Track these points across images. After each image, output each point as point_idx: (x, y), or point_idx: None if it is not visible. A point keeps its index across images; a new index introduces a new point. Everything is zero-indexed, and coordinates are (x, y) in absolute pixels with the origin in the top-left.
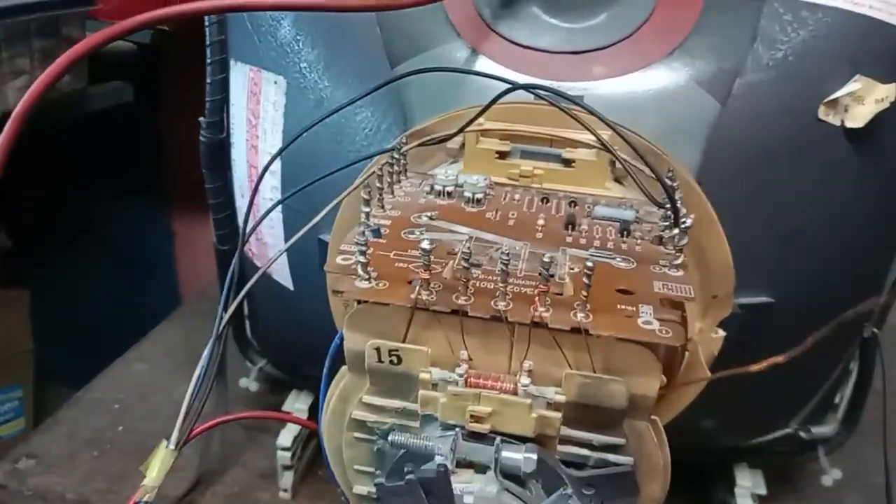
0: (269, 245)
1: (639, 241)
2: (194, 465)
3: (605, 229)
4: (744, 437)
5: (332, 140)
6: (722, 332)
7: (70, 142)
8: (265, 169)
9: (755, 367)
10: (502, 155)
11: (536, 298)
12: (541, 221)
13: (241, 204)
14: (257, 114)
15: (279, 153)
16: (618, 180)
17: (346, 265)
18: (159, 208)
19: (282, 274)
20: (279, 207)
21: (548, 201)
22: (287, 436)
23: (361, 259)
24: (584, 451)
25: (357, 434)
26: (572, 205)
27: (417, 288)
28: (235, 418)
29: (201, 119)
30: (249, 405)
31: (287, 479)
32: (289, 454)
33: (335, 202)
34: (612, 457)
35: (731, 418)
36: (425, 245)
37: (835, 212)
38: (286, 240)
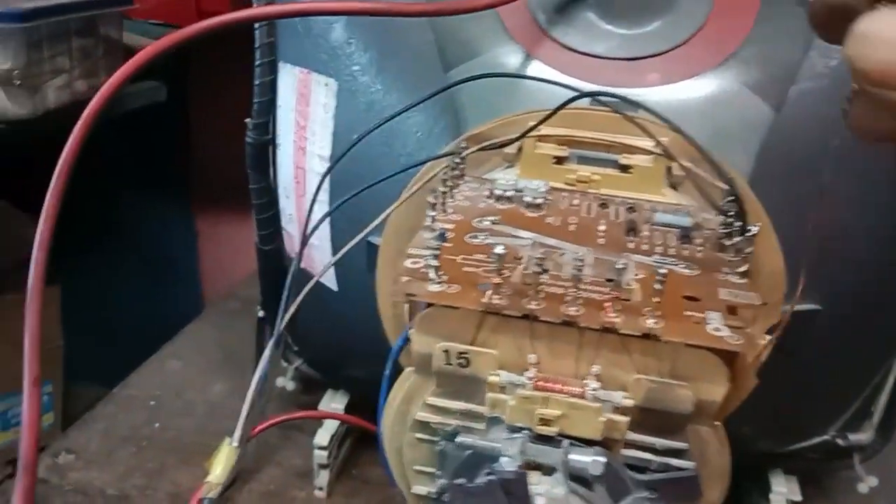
0: (314, 246)
1: (699, 248)
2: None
3: (665, 235)
4: (781, 443)
5: (384, 144)
6: (769, 338)
7: (102, 140)
8: (325, 175)
9: None
10: (559, 160)
11: (607, 304)
12: (601, 227)
13: (284, 205)
14: (306, 116)
15: (337, 160)
16: (672, 186)
17: (415, 268)
18: (184, 207)
19: (326, 275)
20: (325, 209)
21: (606, 207)
22: (324, 435)
23: (434, 263)
24: (647, 455)
25: (420, 435)
26: (631, 210)
27: (489, 292)
28: (293, 418)
29: (248, 120)
30: (284, 404)
31: (323, 477)
32: (326, 453)
33: (394, 206)
34: (674, 461)
35: (769, 424)
36: (499, 250)
37: (882, 220)
38: (333, 241)
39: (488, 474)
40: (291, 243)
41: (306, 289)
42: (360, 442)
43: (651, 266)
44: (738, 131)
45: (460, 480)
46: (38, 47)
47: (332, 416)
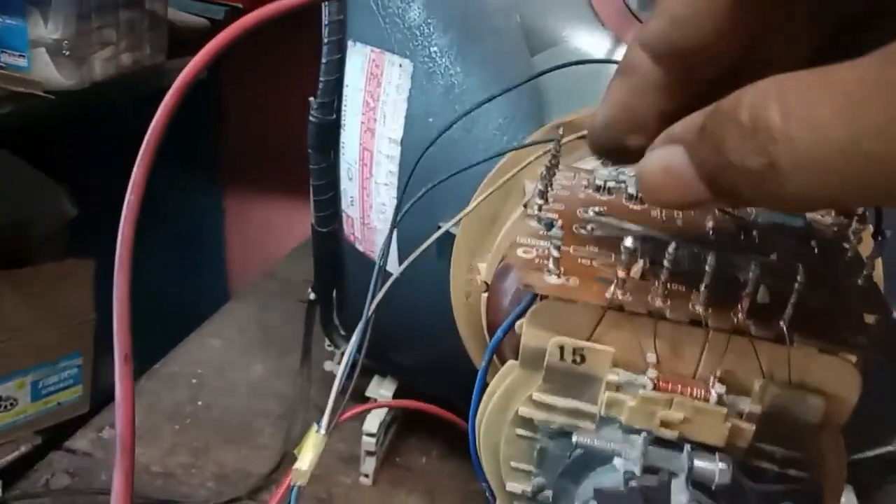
0: (377, 230)
1: (816, 250)
2: (277, 445)
3: (777, 235)
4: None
5: (462, 127)
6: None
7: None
8: (414, 167)
9: None
10: None
11: (739, 305)
12: (710, 224)
13: (346, 187)
14: (376, 96)
15: (427, 148)
16: None
17: (528, 258)
18: (213, 185)
19: (389, 261)
20: (393, 192)
21: None
22: (374, 421)
23: (555, 254)
24: (767, 465)
25: (521, 431)
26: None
27: (613, 287)
28: (376, 406)
29: (312, 99)
30: (328, 388)
31: (369, 464)
32: (374, 440)
33: (486, 195)
34: (794, 472)
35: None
36: (628, 243)
37: None
38: (394, 223)
39: (629, 480)
40: (351, 227)
41: (387, 285)
42: (404, 429)
43: (775, 267)
44: None
45: (600, 485)
46: (86, 18)
47: (414, 406)
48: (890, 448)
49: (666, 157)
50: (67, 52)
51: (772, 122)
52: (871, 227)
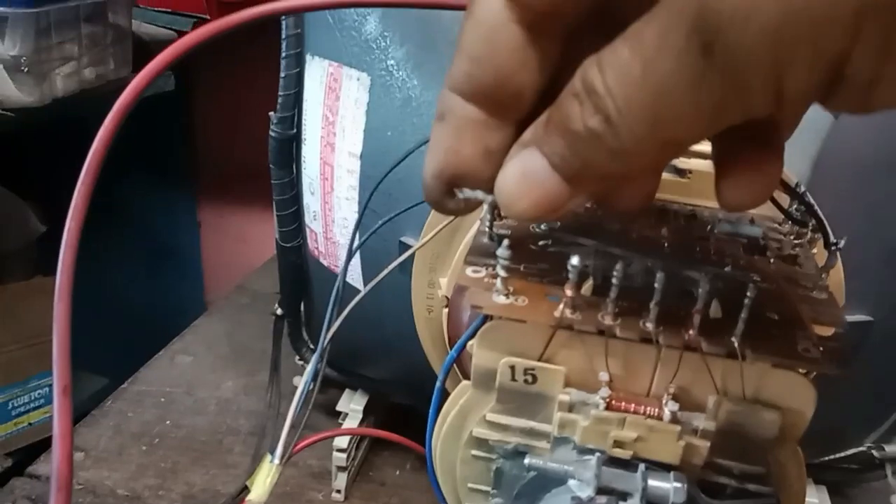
0: (339, 245)
1: (772, 260)
2: (247, 463)
3: (734, 246)
4: (819, 453)
5: (420, 141)
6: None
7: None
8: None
9: None
10: None
11: (690, 321)
12: (664, 234)
13: (309, 201)
14: (335, 111)
15: (392, 170)
16: None
17: (477, 278)
18: (187, 197)
19: (352, 275)
20: (355, 207)
21: (665, 213)
22: (344, 437)
23: (503, 274)
24: (724, 480)
25: (476, 452)
26: (692, 217)
27: (561, 306)
28: (334, 434)
29: (272, 114)
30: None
31: (341, 480)
32: (345, 455)
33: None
34: (752, 486)
35: (809, 434)
36: (574, 262)
37: None
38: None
39: (575, 501)
40: (315, 241)
41: (350, 307)
42: (377, 444)
43: (728, 278)
44: (798, 136)
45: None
46: (46, 33)
47: (373, 434)
48: (862, 448)
49: (520, 162)
50: (26, 69)
51: (596, 81)
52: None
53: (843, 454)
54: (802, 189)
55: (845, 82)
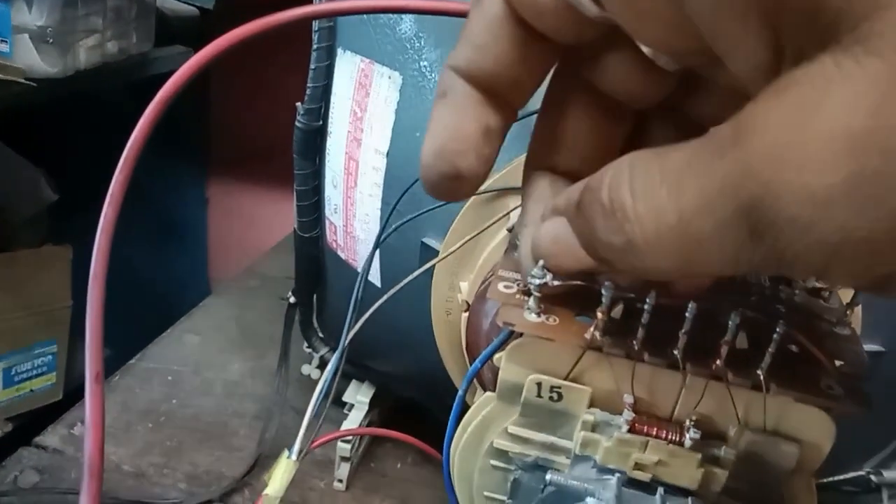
0: (359, 240)
1: (796, 292)
2: (252, 447)
3: (760, 277)
4: (819, 475)
5: None
6: None
7: (126, 103)
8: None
9: None
10: None
11: (718, 350)
12: None
13: (331, 194)
14: (364, 106)
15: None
16: None
17: (509, 293)
18: (197, 175)
19: (370, 271)
20: (377, 204)
21: None
22: (349, 427)
23: (537, 293)
24: None
25: (495, 462)
26: None
27: (591, 329)
28: (351, 433)
29: (299, 104)
30: (305, 391)
31: (344, 470)
32: (349, 446)
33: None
34: None
35: None
36: (606, 291)
37: None
38: (380, 237)
39: None
40: (334, 234)
41: (374, 307)
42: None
43: (755, 310)
44: None
45: None
46: (72, 5)
47: (382, 434)
48: (861, 472)
49: (553, 229)
50: (51, 40)
51: (626, 203)
52: None
53: (841, 477)
54: None
55: (890, 285)
